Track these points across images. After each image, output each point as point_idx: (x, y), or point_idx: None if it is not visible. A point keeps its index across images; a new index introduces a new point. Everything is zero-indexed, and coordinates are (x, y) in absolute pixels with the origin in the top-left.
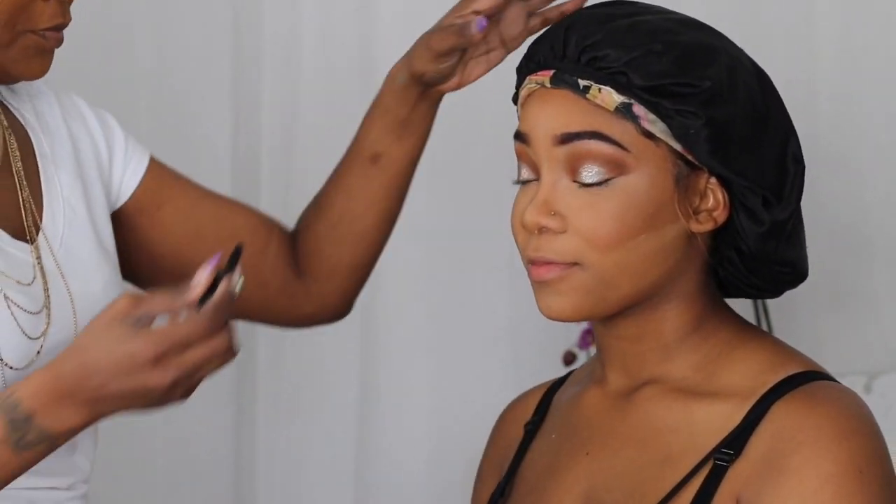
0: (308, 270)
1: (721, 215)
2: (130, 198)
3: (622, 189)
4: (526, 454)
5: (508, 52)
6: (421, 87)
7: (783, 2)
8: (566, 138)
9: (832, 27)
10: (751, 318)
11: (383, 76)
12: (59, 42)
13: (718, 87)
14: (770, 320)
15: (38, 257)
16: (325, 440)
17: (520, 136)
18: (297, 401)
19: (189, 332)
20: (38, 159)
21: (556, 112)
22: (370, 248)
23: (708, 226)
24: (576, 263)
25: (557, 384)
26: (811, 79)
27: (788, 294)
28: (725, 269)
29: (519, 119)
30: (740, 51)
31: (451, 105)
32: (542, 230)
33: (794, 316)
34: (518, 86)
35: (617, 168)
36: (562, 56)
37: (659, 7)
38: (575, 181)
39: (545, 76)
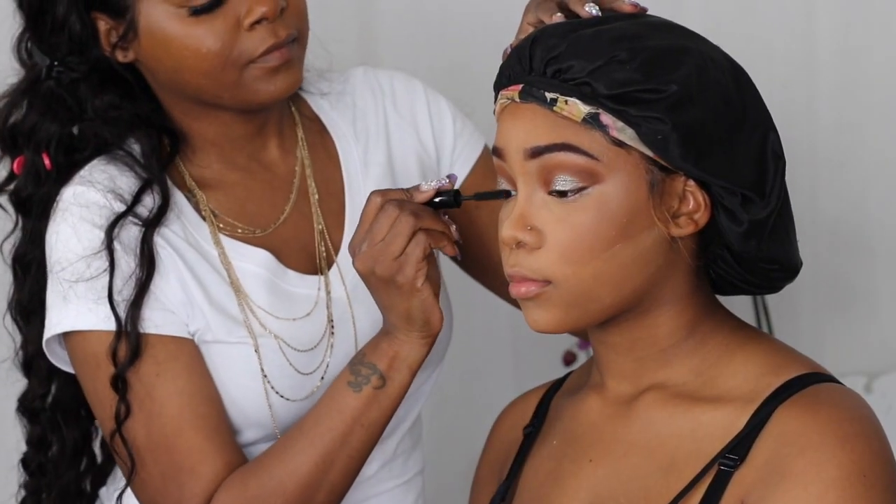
0: None
1: (703, 217)
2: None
3: (595, 199)
4: (527, 459)
5: None
6: None
7: (783, 2)
8: (536, 152)
9: (832, 27)
10: (751, 319)
11: None
12: (289, 55)
13: (686, 91)
14: (770, 321)
15: (328, 288)
16: None
17: (495, 151)
18: None
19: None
20: (344, 171)
21: (526, 126)
22: None
23: (688, 229)
24: (549, 282)
25: (555, 387)
26: (811, 79)
27: (788, 294)
28: (719, 268)
29: (496, 134)
30: (716, 49)
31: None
32: (518, 245)
33: (794, 316)
34: (495, 101)
35: (589, 178)
36: (529, 70)
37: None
38: (549, 194)
39: (514, 91)
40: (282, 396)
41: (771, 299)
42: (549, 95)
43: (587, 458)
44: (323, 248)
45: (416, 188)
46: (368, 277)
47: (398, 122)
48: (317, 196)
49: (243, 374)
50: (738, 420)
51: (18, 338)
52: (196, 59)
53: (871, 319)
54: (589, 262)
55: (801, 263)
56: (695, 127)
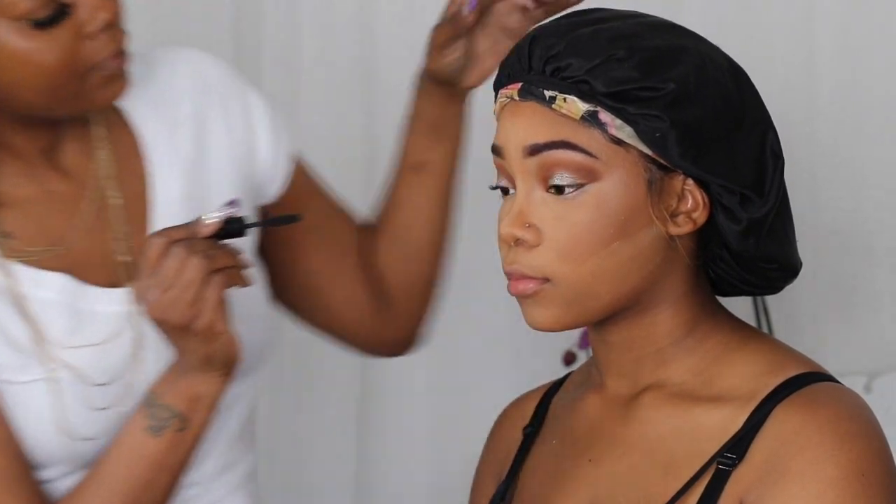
0: (386, 292)
1: (701, 216)
2: (278, 198)
3: (594, 197)
4: (526, 459)
5: (513, 41)
6: (443, 86)
7: (783, 2)
8: (535, 149)
9: (832, 27)
10: (751, 319)
11: (383, 76)
12: (124, 62)
13: (684, 89)
14: (770, 321)
15: (131, 304)
16: (325, 440)
17: (495, 150)
18: (297, 401)
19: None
20: (149, 167)
21: (525, 124)
22: (431, 262)
23: (687, 228)
24: (547, 279)
25: (555, 387)
26: (811, 79)
27: (788, 294)
28: (718, 268)
29: (496, 133)
30: (715, 49)
31: None
32: (517, 242)
33: (794, 316)
34: (495, 100)
35: (587, 176)
36: (528, 68)
37: (630, 12)
38: (547, 191)
39: (514, 89)
40: (78, 437)
41: (771, 299)
42: (547, 93)
43: (586, 457)
44: (130, 258)
45: (199, 222)
46: (161, 325)
47: (209, 111)
48: (121, 200)
49: (39, 416)
50: (736, 419)
51: None
52: (38, 74)
53: (871, 319)
54: (587, 260)
55: (801, 264)
56: (693, 125)
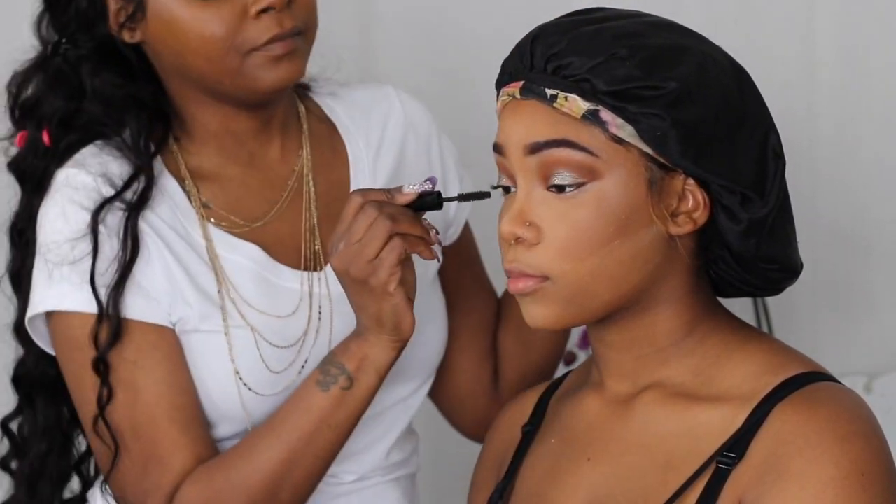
0: (499, 377)
1: (701, 216)
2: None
3: (594, 196)
4: (525, 458)
5: None
6: None
7: (783, 2)
8: (536, 147)
9: (832, 27)
10: (751, 319)
11: (383, 77)
12: (293, 46)
13: (685, 88)
14: (770, 321)
15: (316, 286)
16: None
17: (496, 148)
18: None
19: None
20: (352, 173)
21: (526, 122)
22: (547, 357)
23: (687, 228)
24: (546, 278)
25: (553, 386)
26: (811, 79)
27: (788, 294)
28: (719, 269)
29: (497, 131)
30: (717, 49)
31: (452, 108)
32: (517, 240)
33: (793, 316)
34: (497, 99)
35: (588, 174)
36: (530, 67)
37: (632, 11)
38: (548, 190)
39: (515, 88)
40: (250, 390)
41: (771, 299)
42: (549, 92)
43: (585, 456)
44: (317, 246)
45: (398, 190)
46: (343, 276)
47: (411, 146)
48: (313, 192)
49: (216, 366)
50: (736, 418)
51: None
52: (200, 42)
53: (870, 319)
54: (587, 259)
55: (802, 265)
56: (694, 124)
